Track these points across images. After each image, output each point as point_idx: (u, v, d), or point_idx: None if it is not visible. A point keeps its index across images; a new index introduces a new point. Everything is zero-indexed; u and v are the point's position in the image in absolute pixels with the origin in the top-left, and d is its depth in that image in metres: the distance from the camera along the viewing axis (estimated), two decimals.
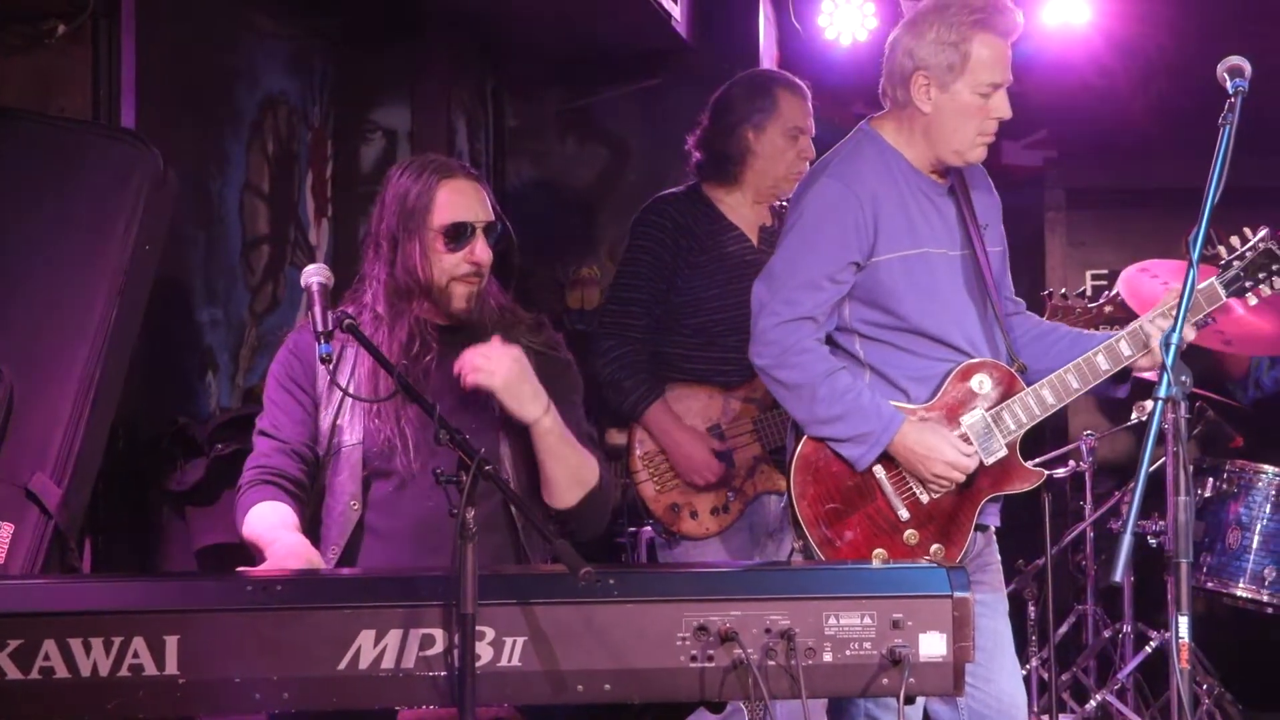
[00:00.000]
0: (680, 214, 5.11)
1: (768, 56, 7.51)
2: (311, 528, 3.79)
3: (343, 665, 3.06)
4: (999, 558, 4.22)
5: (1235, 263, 4.10)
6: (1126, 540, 3.22)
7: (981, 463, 4.02)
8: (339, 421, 3.80)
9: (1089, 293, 6.15)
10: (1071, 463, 6.29)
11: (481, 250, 3.82)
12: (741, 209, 5.12)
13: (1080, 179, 8.26)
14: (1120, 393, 4.21)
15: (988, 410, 4.04)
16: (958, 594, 3.14)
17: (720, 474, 5.01)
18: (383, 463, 3.77)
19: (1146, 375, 4.03)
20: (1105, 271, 7.91)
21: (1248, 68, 3.59)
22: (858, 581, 3.20)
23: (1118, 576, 3.25)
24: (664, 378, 5.08)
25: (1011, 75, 4.05)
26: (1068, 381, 4.05)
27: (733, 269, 5.05)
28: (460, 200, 3.83)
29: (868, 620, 3.13)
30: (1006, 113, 4.04)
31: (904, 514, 4.02)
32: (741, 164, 5.10)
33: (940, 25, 4.00)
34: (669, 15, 6.67)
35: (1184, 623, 3.22)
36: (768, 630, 3.10)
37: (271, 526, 3.68)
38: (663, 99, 7.38)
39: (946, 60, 3.99)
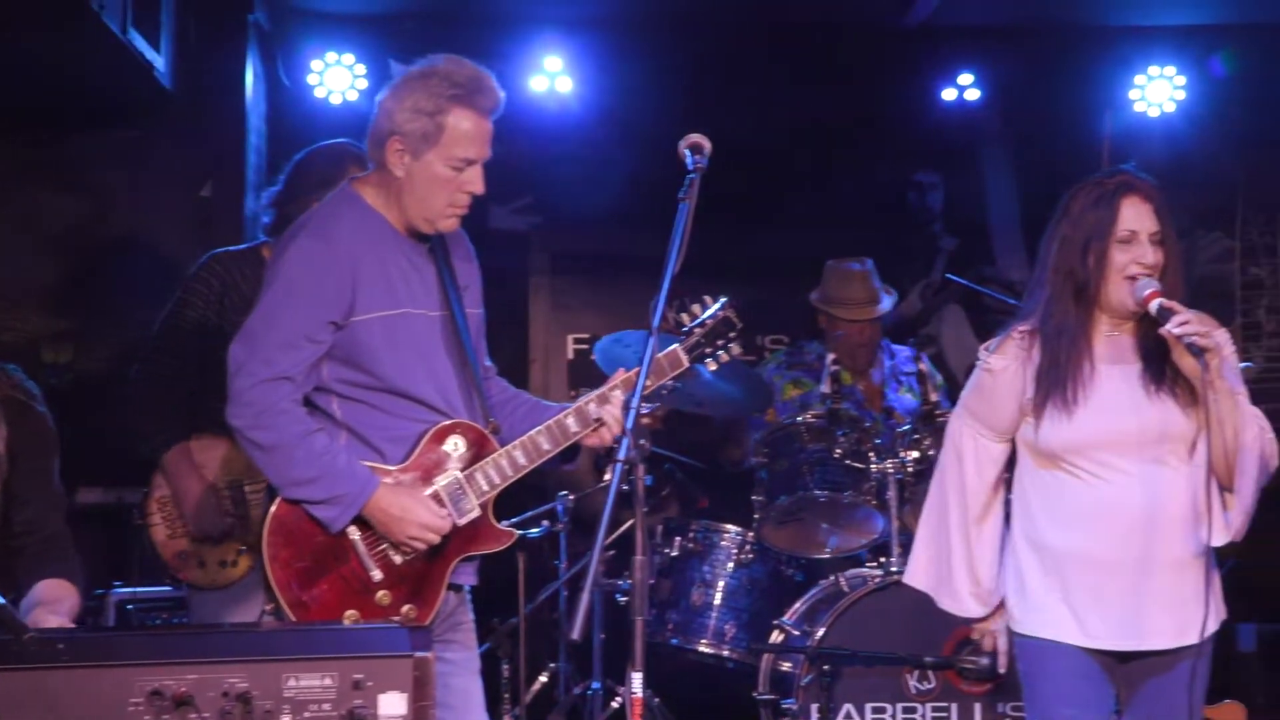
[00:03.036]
0: (230, 272, 5.10)
1: (256, 112, 7.43)
2: None
3: None
4: (472, 616, 4.27)
5: (696, 330, 4.27)
6: (585, 599, 3.32)
7: (455, 523, 4.06)
8: None
9: (570, 355, 6.28)
10: (546, 523, 6.42)
11: None
12: None
13: (564, 245, 8.49)
14: (569, 466, 4.33)
15: (461, 471, 4.08)
16: (419, 654, 3.17)
17: (221, 532, 5.01)
18: None
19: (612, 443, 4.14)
20: (587, 335, 8.14)
21: (708, 145, 3.78)
22: (318, 642, 3.20)
23: (575, 634, 3.34)
24: (196, 428, 5.04)
25: (489, 151, 4.07)
26: (539, 443, 4.13)
27: None
28: None
29: (328, 681, 3.12)
30: (478, 188, 4.06)
31: (377, 575, 4.02)
32: None
33: (420, 93, 4.00)
34: (151, 65, 6.51)
35: (638, 679, 3.33)
36: (225, 694, 3.06)
37: None
38: (146, 148, 7.21)
39: (421, 129, 3.99)
